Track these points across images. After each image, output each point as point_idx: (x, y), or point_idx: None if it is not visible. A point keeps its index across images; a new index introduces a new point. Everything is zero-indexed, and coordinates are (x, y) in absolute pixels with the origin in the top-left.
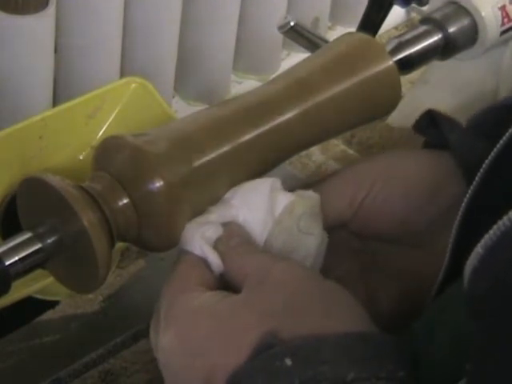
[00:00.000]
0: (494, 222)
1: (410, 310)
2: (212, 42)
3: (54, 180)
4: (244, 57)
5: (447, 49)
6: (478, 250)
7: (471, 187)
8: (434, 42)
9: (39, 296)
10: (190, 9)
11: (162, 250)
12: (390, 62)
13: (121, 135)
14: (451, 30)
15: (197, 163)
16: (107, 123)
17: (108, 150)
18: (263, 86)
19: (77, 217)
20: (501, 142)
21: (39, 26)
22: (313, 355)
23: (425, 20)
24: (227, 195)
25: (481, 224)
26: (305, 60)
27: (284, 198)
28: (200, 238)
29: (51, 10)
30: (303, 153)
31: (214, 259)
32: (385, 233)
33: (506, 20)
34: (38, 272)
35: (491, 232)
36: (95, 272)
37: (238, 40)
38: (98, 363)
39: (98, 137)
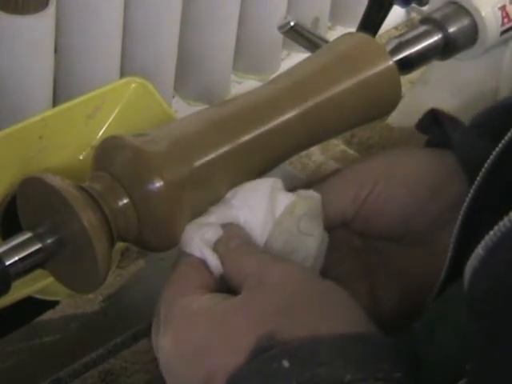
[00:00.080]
0: (496, 222)
1: (411, 310)
2: (212, 42)
3: (54, 180)
4: (244, 57)
5: (447, 49)
6: (479, 251)
7: (473, 187)
8: (434, 41)
9: (39, 296)
10: (189, 9)
11: (161, 250)
12: (390, 62)
13: (121, 135)
14: (451, 29)
15: (197, 163)
16: (107, 123)
17: (108, 150)
18: (263, 86)
19: (77, 217)
20: (502, 141)
21: (39, 26)
22: (310, 357)
23: (425, 20)
24: (228, 195)
25: (482, 224)
26: (305, 60)
27: (285, 199)
28: (199, 240)
29: (51, 10)
30: (303, 153)
31: (214, 261)
32: (387, 232)
33: (506, 20)
34: (38, 272)
35: (491, 233)
36: (95, 272)
37: (238, 40)
38: (98, 363)
39: (98, 137)
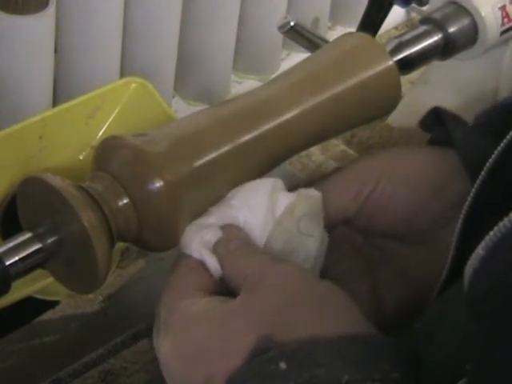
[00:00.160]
0: (497, 222)
1: (413, 309)
2: (212, 42)
3: (54, 180)
4: (244, 57)
5: (447, 49)
6: (479, 251)
7: (475, 186)
8: (434, 41)
9: (39, 296)
10: (190, 9)
11: (162, 250)
12: (390, 62)
13: (120, 135)
14: (451, 29)
15: (197, 163)
16: (107, 123)
17: (108, 150)
18: (263, 86)
19: (77, 217)
20: (504, 140)
21: (39, 26)
22: (308, 358)
23: (425, 20)
24: (228, 196)
25: (484, 223)
26: (305, 60)
27: (285, 199)
28: (199, 242)
29: (51, 10)
30: (303, 153)
31: (213, 263)
32: (389, 229)
33: (506, 20)
34: (38, 272)
35: (491, 233)
36: (95, 272)
37: (238, 40)
38: (98, 363)
39: (98, 137)
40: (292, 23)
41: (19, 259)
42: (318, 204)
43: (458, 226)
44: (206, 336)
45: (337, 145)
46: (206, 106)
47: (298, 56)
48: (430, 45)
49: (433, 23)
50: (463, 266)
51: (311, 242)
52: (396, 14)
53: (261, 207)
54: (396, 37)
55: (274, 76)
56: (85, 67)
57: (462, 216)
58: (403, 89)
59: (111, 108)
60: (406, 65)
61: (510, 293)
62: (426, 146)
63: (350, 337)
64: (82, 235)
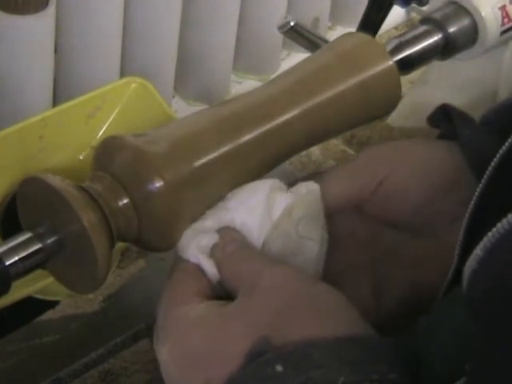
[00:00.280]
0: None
1: (415, 307)
2: (212, 42)
3: (54, 180)
4: (244, 57)
5: (447, 49)
6: (478, 252)
7: (479, 185)
8: (434, 41)
9: (39, 296)
10: (190, 9)
11: (162, 250)
12: (390, 62)
13: (121, 135)
14: (451, 29)
15: (197, 163)
16: (107, 123)
17: (108, 150)
18: (263, 86)
19: (77, 217)
20: (509, 139)
21: (39, 26)
22: (304, 360)
23: (425, 20)
24: (225, 198)
25: (488, 223)
26: (305, 60)
27: (283, 200)
28: (195, 247)
29: (51, 10)
30: (303, 153)
31: (210, 268)
32: (401, 217)
33: (506, 20)
34: (38, 272)
35: (490, 234)
36: (95, 272)
37: (238, 40)
38: (98, 363)
39: (98, 137)
40: (292, 23)
41: (19, 259)
42: (317, 202)
43: (464, 225)
44: (204, 341)
45: (337, 145)
46: (206, 106)
47: (298, 56)
48: (430, 45)
49: (433, 23)
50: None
51: (310, 245)
52: (396, 14)
53: (258, 209)
54: (396, 37)
55: (273, 76)
56: (85, 67)
57: (467, 215)
58: (403, 89)
59: (111, 108)
60: (406, 65)
61: (508, 294)
62: (436, 140)
63: (347, 338)
64: (81, 235)
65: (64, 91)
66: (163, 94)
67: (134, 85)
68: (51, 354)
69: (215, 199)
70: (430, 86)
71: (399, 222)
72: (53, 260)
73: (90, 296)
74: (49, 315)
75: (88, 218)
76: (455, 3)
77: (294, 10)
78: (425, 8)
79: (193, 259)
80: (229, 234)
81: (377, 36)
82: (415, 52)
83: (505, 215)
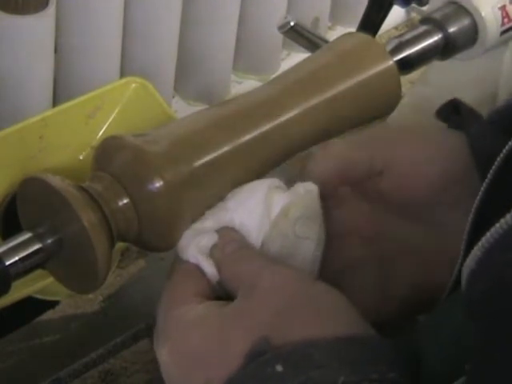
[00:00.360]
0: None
1: (416, 308)
2: (212, 42)
3: (54, 180)
4: (244, 57)
5: (447, 49)
6: (476, 252)
7: (484, 184)
8: (434, 41)
9: (39, 296)
10: (190, 9)
11: (162, 250)
12: (390, 62)
13: (121, 135)
14: (451, 29)
15: (197, 163)
16: (107, 123)
17: (108, 150)
18: (263, 86)
19: (77, 217)
20: None
21: (39, 26)
22: (304, 360)
23: (425, 20)
24: (225, 198)
25: (491, 222)
26: (305, 60)
27: (280, 199)
28: (195, 247)
29: (51, 10)
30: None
31: (210, 268)
32: (414, 195)
33: (506, 20)
34: (38, 272)
35: (488, 234)
36: (95, 272)
37: (238, 40)
38: (98, 363)
39: (98, 137)
40: (292, 23)
41: (19, 259)
42: (314, 201)
43: (468, 224)
44: (204, 341)
45: None
46: (206, 106)
47: (298, 56)
48: (429, 45)
49: (433, 23)
50: None
51: (307, 245)
52: (396, 14)
53: (256, 209)
54: (396, 37)
55: (274, 76)
56: (85, 67)
57: (471, 214)
58: (403, 89)
59: (111, 108)
60: (406, 65)
61: (506, 294)
62: (446, 129)
63: (347, 338)
64: (81, 235)
65: (64, 91)
66: (163, 94)
67: (133, 85)
68: (51, 353)
69: (215, 199)
70: (429, 86)
71: (412, 200)
72: (53, 260)
73: (90, 296)
74: (49, 315)
75: (88, 217)
76: (455, 3)
77: (294, 10)
78: (425, 8)
79: (192, 260)
80: (228, 234)
81: (377, 36)
82: (415, 52)
83: (502, 216)
